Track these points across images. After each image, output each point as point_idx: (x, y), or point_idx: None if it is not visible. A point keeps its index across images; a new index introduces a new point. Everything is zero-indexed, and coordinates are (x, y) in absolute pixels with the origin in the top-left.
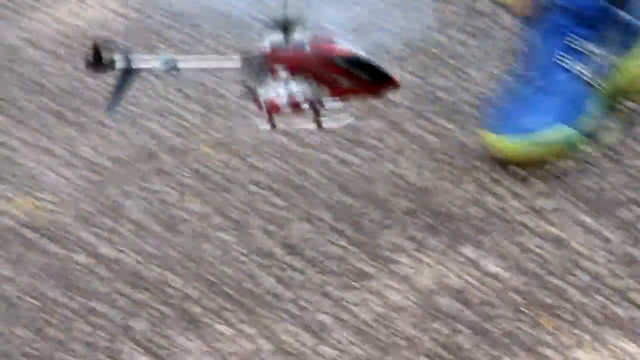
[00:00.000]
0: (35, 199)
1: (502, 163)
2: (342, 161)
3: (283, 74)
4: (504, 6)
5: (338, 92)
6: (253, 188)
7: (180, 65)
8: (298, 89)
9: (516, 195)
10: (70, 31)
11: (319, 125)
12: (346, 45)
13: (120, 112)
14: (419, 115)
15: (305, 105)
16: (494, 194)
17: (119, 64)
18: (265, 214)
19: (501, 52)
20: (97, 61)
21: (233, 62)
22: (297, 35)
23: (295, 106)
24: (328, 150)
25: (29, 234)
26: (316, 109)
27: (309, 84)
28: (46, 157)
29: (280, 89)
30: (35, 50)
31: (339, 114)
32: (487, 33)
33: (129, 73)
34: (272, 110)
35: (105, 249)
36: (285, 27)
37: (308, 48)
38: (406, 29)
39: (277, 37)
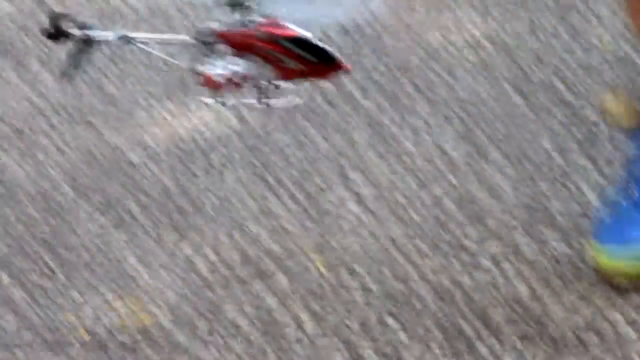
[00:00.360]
0: (136, 302)
1: (617, 287)
2: (458, 284)
3: (226, 51)
4: (611, 120)
5: (285, 73)
6: (365, 308)
7: (132, 35)
8: (239, 66)
9: (632, 322)
10: (176, 138)
11: (264, 103)
12: (293, 27)
13: (223, 216)
14: (534, 238)
15: (246, 83)
16: (610, 321)
17: (75, 34)
18: (378, 335)
19: (609, 165)
20: (55, 31)
21: (184, 37)
22: (255, 17)
23: (233, 83)
24: (443, 272)
25: (128, 337)
26: (261, 87)
27: (256, 64)
28: (148, 259)
29: (221, 65)
30: (140, 153)
31: (287, 94)
32: (598, 148)
33: (85, 43)
34: (211, 85)
35: (205, 354)
36: (236, 6)
37: (256, 28)
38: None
39: (232, 17)
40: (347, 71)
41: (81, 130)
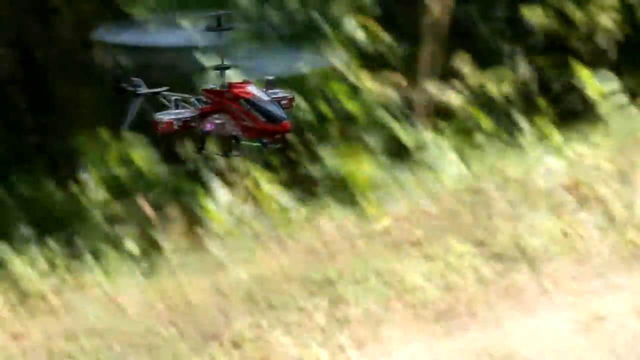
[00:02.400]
0: None
1: None
2: None
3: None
4: None
5: (245, 129)
6: None
7: (164, 93)
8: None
9: None
10: None
11: (225, 154)
12: (254, 89)
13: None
14: None
15: (186, 128)
16: None
17: (130, 89)
18: None
19: None
20: (119, 88)
21: (188, 95)
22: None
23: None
24: None
25: None
26: (226, 141)
27: (224, 120)
28: None
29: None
30: None
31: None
32: None
33: (136, 96)
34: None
35: None
36: (220, 69)
37: (227, 89)
38: None
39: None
40: (287, 131)
41: None
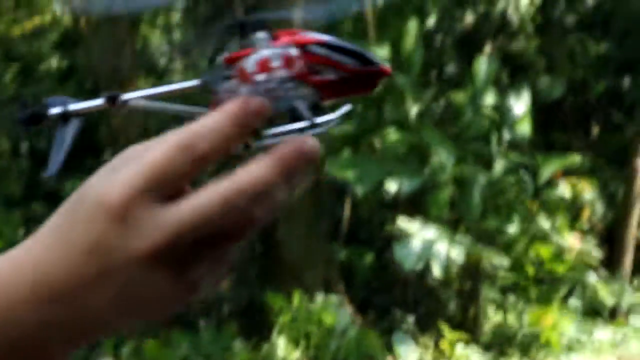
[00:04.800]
0: None
1: None
2: None
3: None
4: None
5: (326, 88)
6: None
7: (125, 97)
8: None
9: None
10: None
11: (312, 124)
12: (312, 33)
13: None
14: None
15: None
16: None
17: (54, 110)
18: None
19: None
20: (27, 114)
21: (192, 83)
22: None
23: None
24: None
25: None
26: (296, 111)
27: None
28: None
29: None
30: None
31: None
32: None
33: (66, 119)
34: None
35: None
36: (243, 28)
37: (273, 41)
38: None
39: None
40: (388, 75)
41: None
